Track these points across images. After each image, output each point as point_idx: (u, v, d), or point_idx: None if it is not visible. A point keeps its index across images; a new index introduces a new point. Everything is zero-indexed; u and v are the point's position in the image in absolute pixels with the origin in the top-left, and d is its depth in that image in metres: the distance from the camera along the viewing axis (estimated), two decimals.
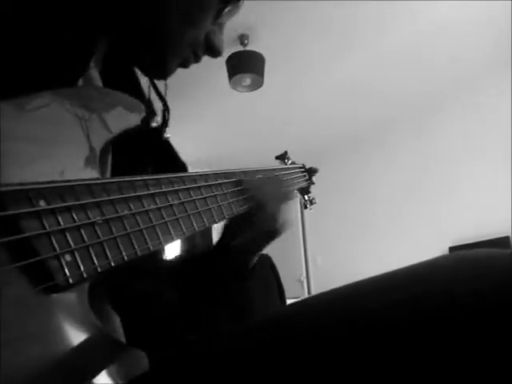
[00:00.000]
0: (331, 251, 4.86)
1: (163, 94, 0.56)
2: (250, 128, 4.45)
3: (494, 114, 3.75)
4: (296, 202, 0.85)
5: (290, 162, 0.86)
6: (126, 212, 0.35)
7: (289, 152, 0.87)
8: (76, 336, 0.30)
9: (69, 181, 0.32)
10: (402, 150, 4.45)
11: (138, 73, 0.55)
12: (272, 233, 0.56)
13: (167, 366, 0.35)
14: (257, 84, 3.16)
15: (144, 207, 0.37)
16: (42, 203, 0.29)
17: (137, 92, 0.53)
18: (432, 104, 4.16)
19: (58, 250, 0.29)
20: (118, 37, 0.48)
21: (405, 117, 4.37)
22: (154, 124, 0.49)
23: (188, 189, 0.44)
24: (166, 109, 0.55)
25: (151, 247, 0.36)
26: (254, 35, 3.03)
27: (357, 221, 4.70)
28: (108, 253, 0.32)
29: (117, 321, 0.36)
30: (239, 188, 0.52)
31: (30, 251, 0.28)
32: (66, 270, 0.29)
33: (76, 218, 0.31)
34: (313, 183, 0.92)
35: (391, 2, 2.78)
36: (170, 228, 0.39)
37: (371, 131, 4.63)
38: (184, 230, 0.41)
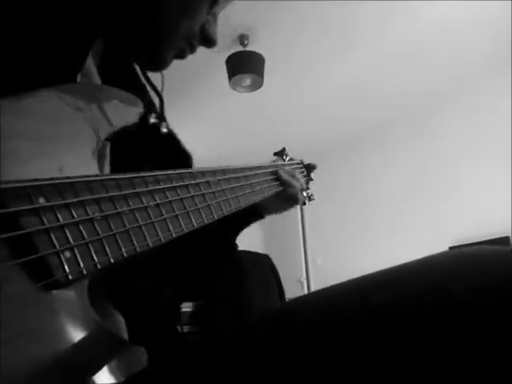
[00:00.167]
0: (331, 251, 4.86)
1: (160, 86, 0.56)
2: (250, 128, 4.45)
3: (494, 114, 3.75)
4: None
5: (288, 158, 0.87)
6: (124, 209, 0.35)
7: (287, 149, 0.87)
8: (76, 332, 0.30)
9: (68, 177, 0.32)
10: (401, 150, 4.45)
11: (137, 67, 0.55)
12: (297, 200, 0.77)
13: (166, 361, 0.35)
14: (257, 84, 3.16)
15: (143, 204, 0.37)
16: (42, 200, 0.29)
17: (136, 87, 0.53)
18: (432, 104, 4.16)
19: (57, 246, 0.29)
20: (113, 29, 0.48)
21: (405, 117, 4.37)
22: (152, 119, 0.49)
23: (187, 185, 0.44)
24: (161, 102, 0.55)
25: (150, 243, 0.36)
26: (254, 35, 3.03)
27: (357, 221, 4.70)
28: (107, 249, 0.32)
29: (118, 317, 0.36)
30: (273, 177, 0.71)
31: (30, 248, 0.28)
32: (66, 267, 0.29)
33: (75, 214, 0.31)
34: (311, 179, 0.92)
35: (391, 2, 2.78)
36: (169, 224, 0.39)
37: (371, 131, 4.63)
38: (183, 226, 0.41)
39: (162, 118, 0.46)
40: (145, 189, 0.38)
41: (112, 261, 0.33)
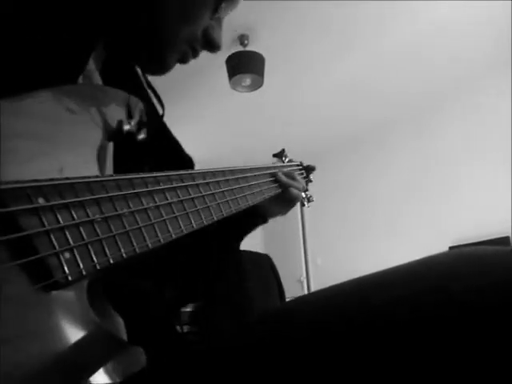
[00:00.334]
0: (331, 251, 4.86)
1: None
2: (250, 128, 4.45)
3: (494, 114, 3.75)
4: None
5: (287, 159, 0.86)
6: (125, 210, 0.35)
7: (286, 150, 0.87)
8: (75, 333, 0.30)
9: (68, 178, 0.32)
10: (402, 150, 4.45)
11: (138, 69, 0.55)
12: (296, 200, 0.76)
13: (166, 361, 0.35)
14: (257, 84, 3.16)
15: (143, 205, 0.37)
16: (41, 200, 0.29)
17: (138, 89, 0.53)
18: (432, 104, 4.16)
19: (57, 247, 0.29)
20: (114, 33, 0.48)
21: (405, 117, 4.37)
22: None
23: (186, 186, 0.44)
24: (161, 104, 0.55)
25: (150, 244, 0.36)
26: (254, 35, 3.03)
27: (357, 221, 4.70)
28: (107, 250, 0.32)
29: (117, 318, 0.36)
30: (272, 178, 0.71)
31: (29, 249, 0.28)
32: (65, 268, 0.29)
33: (75, 215, 0.31)
34: (310, 181, 0.92)
35: (391, 2, 2.78)
36: (169, 225, 0.39)
37: (371, 131, 4.63)
38: (183, 227, 0.41)
39: (142, 124, 0.45)
40: (145, 189, 0.38)
41: (111, 262, 0.33)
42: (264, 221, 0.74)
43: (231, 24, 2.83)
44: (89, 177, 0.34)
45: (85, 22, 0.44)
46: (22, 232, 0.28)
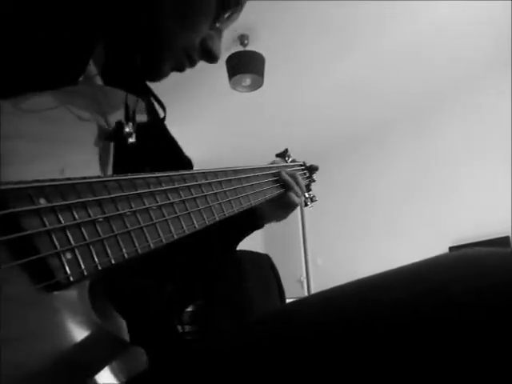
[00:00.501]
0: (331, 251, 4.86)
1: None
2: (250, 128, 4.45)
3: (494, 114, 3.75)
4: None
5: (290, 159, 0.86)
6: (126, 211, 0.35)
7: (289, 150, 0.87)
8: (77, 334, 0.30)
9: (69, 179, 0.32)
10: (402, 150, 4.45)
11: None
12: (293, 205, 0.75)
13: (166, 362, 0.35)
14: (257, 84, 3.16)
15: (145, 205, 0.37)
16: (43, 201, 0.30)
17: (138, 91, 0.53)
18: (432, 104, 4.16)
19: (58, 247, 0.29)
20: (114, 32, 0.48)
21: (405, 117, 4.37)
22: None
23: (188, 186, 0.44)
24: (162, 107, 0.55)
25: (152, 245, 0.36)
26: (254, 35, 3.03)
27: (357, 221, 4.70)
28: (108, 251, 0.32)
29: (119, 318, 0.36)
30: (275, 178, 0.71)
31: (31, 249, 0.28)
32: (67, 268, 0.29)
33: (76, 215, 0.31)
34: (313, 181, 0.92)
35: (391, 2, 2.78)
36: (171, 226, 0.39)
37: (371, 131, 4.63)
38: (185, 227, 0.41)
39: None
40: (147, 190, 0.38)
41: (113, 262, 0.33)
42: (260, 225, 0.73)
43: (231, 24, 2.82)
44: (90, 177, 0.34)
45: (85, 22, 0.44)
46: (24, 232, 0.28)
